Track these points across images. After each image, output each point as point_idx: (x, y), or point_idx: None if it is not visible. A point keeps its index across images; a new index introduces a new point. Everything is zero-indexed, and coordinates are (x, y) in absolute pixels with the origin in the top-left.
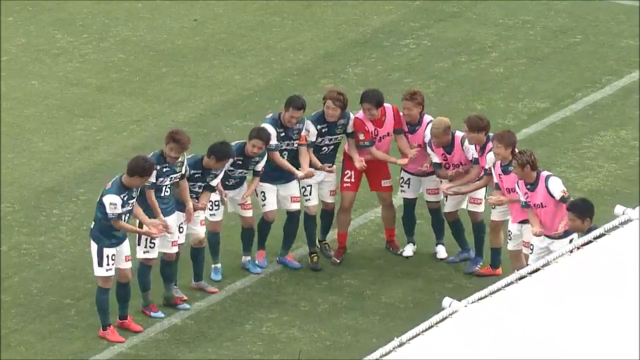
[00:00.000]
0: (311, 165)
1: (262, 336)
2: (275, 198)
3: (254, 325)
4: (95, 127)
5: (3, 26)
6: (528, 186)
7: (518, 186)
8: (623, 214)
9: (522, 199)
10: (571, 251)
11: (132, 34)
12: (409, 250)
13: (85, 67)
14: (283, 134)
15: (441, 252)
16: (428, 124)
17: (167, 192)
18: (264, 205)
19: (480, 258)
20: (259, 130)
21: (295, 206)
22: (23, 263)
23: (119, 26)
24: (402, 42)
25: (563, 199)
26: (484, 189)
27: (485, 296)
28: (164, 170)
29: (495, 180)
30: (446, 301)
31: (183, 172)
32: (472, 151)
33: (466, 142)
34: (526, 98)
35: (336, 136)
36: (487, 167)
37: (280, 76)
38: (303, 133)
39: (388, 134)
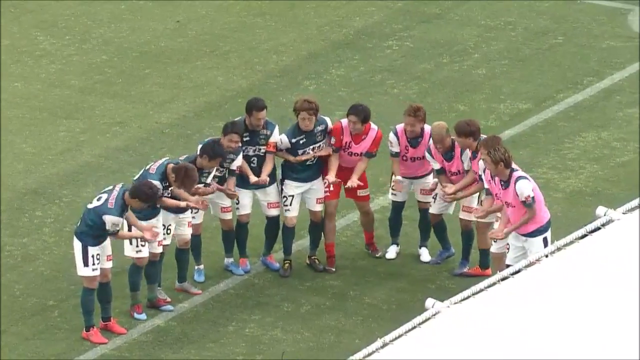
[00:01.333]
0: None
1: (245, 337)
2: (249, 201)
3: (237, 326)
4: (78, 128)
5: None
6: (502, 183)
7: (494, 182)
8: (604, 215)
9: (493, 192)
10: (553, 252)
11: (115, 35)
12: (392, 252)
13: (68, 68)
14: (248, 139)
15: (424, 254)
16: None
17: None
18: (238, 208)
19: (466, 261)
20: (232, 124)
21: (273, 212)
22: (6, 265)
23: (102, 28)
24: (384, 44)
25: (525, 204)
26: (476, 197)
27: (468, 297)
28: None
29: (486, 185)
30: (429, 302)
31: None
32: (467, 161)
33: (466, 151)
34: (508, 99)
35: (318, 144)
36: (479, 172)
37: (263, 78)
38: (272, 140)
39: (361, 154)
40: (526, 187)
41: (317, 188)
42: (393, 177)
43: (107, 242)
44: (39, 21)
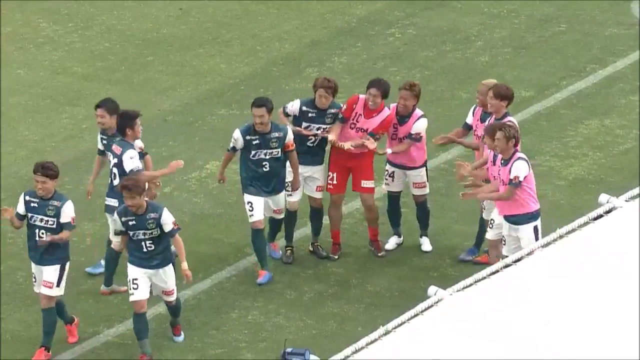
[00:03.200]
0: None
1: (248, 324)
2: (262, 207)
3: (240, 313)
4: (80, 115)
5: None
6: (502, 162)
7: (494, 164)
8: (607, 202)
9: (491, 175)
10: (556, 239)
11: (118, 22)
12: (392, 242)
13: (71, 55)
14: (258, 142)
15: (425, 244)
16: (418, 118)
17: None
18: (251, 215)
19: (477, 250)
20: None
21: (278, 216)
22: (8, 252)
23: (105, 15)
24: (387, 31)
25: (511, 182)
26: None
27: (471, 284)
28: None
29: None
30: (432, 289)
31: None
32: None
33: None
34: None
35: (325, 126)
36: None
37: (266, 65)
38: (289, 140)
39: (366, 130)
40: (522, 169)
41: (319, 177)
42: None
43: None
44: (41, 8)
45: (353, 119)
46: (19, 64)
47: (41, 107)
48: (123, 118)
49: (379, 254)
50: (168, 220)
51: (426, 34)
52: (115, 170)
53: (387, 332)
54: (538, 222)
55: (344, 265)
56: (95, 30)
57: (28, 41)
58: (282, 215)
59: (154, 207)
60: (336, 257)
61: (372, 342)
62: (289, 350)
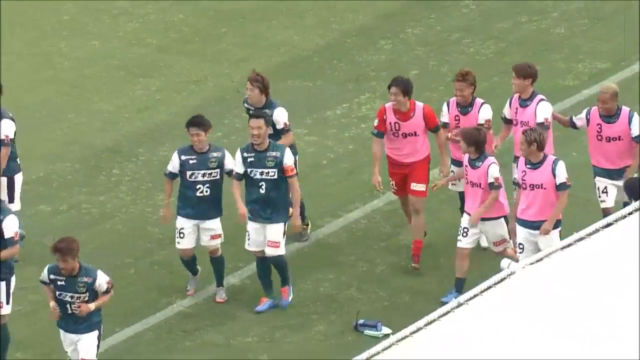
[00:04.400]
0: None
1: (320, 296)
2: (261, 237)
3: (312, 285)
4: (154, 87)
5: None
6: (529, 165)
7: (517, 164)
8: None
9: (515, 176)
10: (631, 213)
11: None
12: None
13: (145, 27)
14: (252, 159)
15: (485, 239)
16: (481, 106)
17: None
18: (249, 245)
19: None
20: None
21: (271, 251)
22: (83, 223)
23: None
24: (462, 2)
25: (563, 186)
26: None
27: (542, 258)
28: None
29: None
30: (504, 262)
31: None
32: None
33: (635, 116)
34: (587, 59)
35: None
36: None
37: (339, 37)
38: (286, 163)
39: (414, 133)
40: (565, 169)
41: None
42: (441, 172)
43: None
44: None
45: (392, 129)
46: (94, 35)
47: (115, 78)
48: None
49: (415, 268)
50: (102, 281)
51: (501, 5)
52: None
53: (459, 305)
54: (558, 230)
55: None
56: (169, 1)
57: (103, 13)
58: (274, 250)
59: (87, 270)
60: (417, 266)
61: (444, 314)
62: (361, 321)
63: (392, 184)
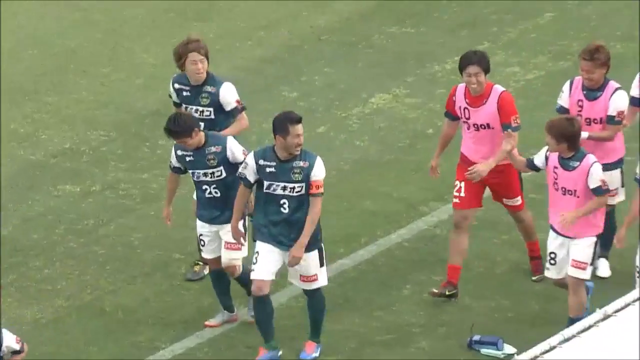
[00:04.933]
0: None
1: (423, 304)
2: (272, 263)
3: (413, 290)
4: (212, 33)
5: None
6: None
7: (547, 161)
8: None
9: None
10: None
11: None
12: (603, 268)
13: None
14: (272, 169)
15: (602, 268)
16: (615, 91)
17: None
18: (253, 271)
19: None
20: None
21: (306, 286)
22: (121, 206)
23: None
24: None
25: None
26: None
27: None
28: None
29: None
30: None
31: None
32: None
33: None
34: None
35: (200, 108)
36: None
37: None
38: (316, 177)
39: (487, 125)
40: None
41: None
42: None
43: None
44: None
45: (463, 117)
46: None
47: (163, 22)
48: None
49: (533, 278)
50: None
51: None
52: None
53: (605, 317)
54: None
55: (544, 229)
56: None
57: None
58: (309, 285)
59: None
60: (448, 293)
61: (584, 329)
62: (476, 337)
63: (460, 188)
